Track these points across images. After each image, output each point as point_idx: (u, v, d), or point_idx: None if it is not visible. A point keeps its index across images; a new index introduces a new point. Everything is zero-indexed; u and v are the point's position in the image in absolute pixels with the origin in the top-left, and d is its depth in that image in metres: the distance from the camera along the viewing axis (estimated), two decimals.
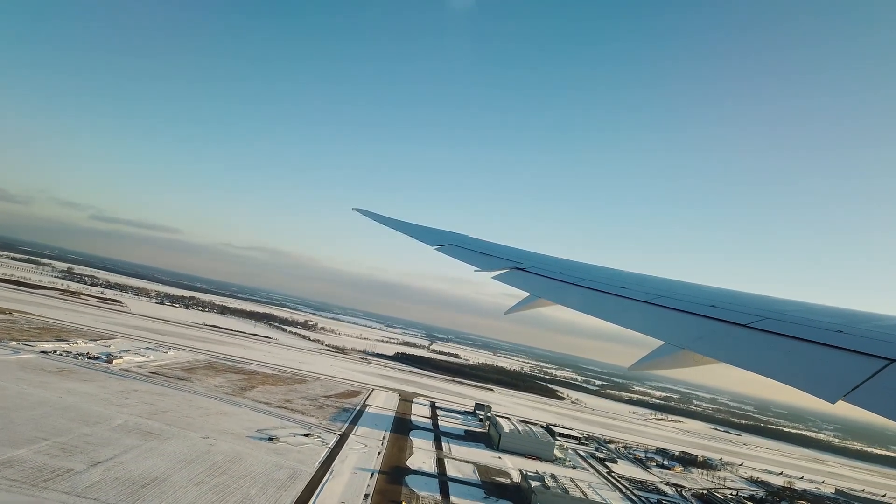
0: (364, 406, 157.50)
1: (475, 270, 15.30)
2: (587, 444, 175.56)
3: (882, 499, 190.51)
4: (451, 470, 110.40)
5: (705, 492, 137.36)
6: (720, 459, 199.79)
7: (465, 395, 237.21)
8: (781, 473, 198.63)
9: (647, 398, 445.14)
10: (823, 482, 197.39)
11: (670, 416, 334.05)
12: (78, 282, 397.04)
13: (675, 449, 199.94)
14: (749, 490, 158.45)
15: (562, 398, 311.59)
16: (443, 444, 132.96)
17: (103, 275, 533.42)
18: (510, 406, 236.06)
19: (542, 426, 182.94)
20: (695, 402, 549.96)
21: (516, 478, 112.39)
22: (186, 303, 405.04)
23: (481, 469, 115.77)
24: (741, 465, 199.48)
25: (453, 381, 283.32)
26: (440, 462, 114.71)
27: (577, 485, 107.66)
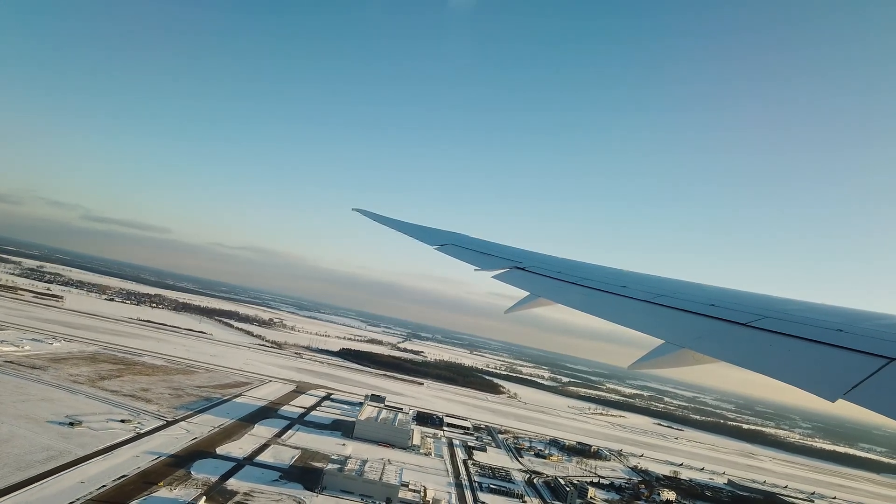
0: (237, 396, 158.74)
1: (475, 270, 15.54)
2: (471, 434, 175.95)
3: (781, 490, 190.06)
4: (266, 456, 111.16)
5: (552, 479, 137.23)
6: (620, 451, 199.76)
7: (381, 387, 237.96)
8: (682, 465, 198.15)
9: (610, 395, 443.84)
10: (724, 473, 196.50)
11: (612, 412, 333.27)
12: (39, 279, 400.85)
13: (587, 441, 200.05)
14: (625, 479, 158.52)
15: (501, 393, 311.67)
16: (289, 431, 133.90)
17: (77, 273, 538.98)
18: (427, 399, 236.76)
19: (411, 414, 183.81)
20: (666, 399, 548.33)
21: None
22: (148, 300, 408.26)
23: (305, 455, 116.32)
24: (641, 456, 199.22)
25: (385, 375, 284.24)
26: (262, 448, 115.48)
27: (384, 469, 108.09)
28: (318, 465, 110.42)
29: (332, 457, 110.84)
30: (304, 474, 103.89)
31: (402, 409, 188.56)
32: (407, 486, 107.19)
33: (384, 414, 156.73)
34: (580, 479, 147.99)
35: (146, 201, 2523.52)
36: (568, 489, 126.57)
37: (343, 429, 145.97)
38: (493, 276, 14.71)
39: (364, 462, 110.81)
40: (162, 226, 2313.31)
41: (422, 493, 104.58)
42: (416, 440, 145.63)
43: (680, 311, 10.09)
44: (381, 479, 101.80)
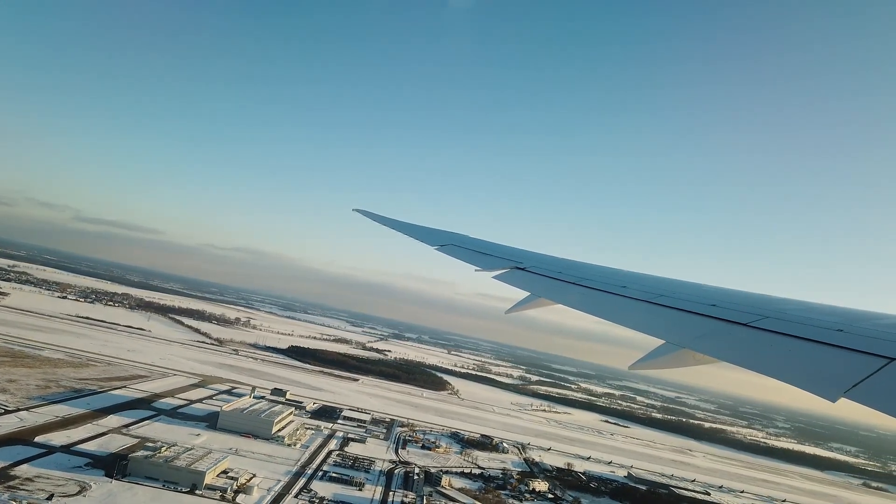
0: (118, 388, 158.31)
1: (475, 270, 15.57)
2: (363, 427, 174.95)
3: (688, 483, 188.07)
4: (92, 445, 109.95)
5: (412, 469, 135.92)
6: (526, 445, 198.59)
7: (308, 383, 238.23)
8: (589, 458, 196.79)
9: (574, 395, 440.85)
10: (632, 466, 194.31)
11: (559, 409, 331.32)
12: (0, 278, 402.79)
13: (500, 435, 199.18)
14: (501, 470, 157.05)
15: (443, 390, 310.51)
16: (146, 422, 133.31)
17: (52, 273, 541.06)
18: (351, 395, 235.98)
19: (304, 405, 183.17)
20: (639, 398, 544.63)
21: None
22: (108, 299, 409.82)
23: (140, 444, 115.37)
24: (548, 449, 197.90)
25: (321, 372, 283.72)
26: (95, 437, 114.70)
27: (203, 457, 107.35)
28: (144, 453, 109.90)
29: (148, 444, 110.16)
30: (119, 462, 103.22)
31: (300, 402, 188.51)
32: (227, 473, 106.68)
33: (259, 406, 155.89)
34: (455, 469, 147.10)
35: (139, 203, 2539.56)
36: (417, 478, 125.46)
37: (212, 420, 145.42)
38: (493, 277, 14.74)
39: (188, 450, 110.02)
40: (154, 227, 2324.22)
41: (238, 481, 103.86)
42: (289, 431, 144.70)
43: (680, 311, 10.12)
44: (190, 465, 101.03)
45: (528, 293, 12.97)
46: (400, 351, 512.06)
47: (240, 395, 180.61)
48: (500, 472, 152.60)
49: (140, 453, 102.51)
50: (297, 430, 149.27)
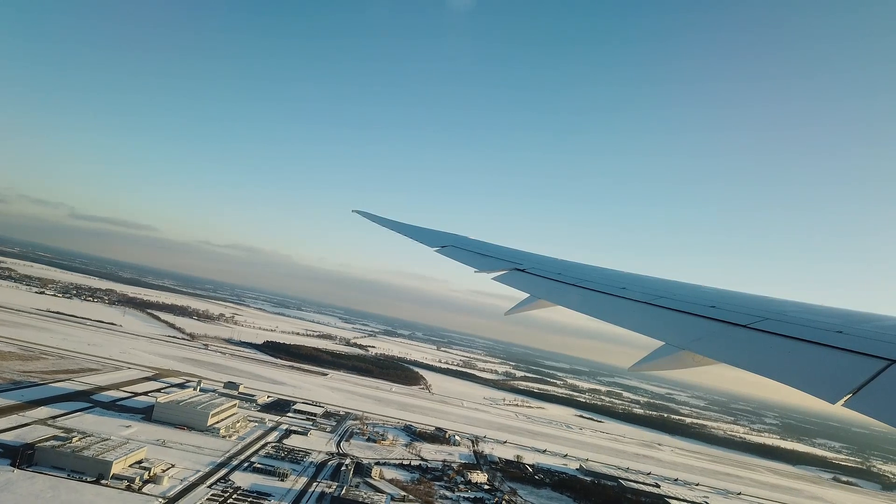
0: (60, 381, 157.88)
1: (475, 271, 15.56)
2: (312, 419, 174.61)
3: (644, 476, 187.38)
4: (10, 435, 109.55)
5: (342, 459, 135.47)
6: (485, 437, 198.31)
7: (273, 378, 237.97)
8: (545, 451, 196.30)
9: (556, 391, 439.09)
10: (587, 460, 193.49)
11: (533, 403, 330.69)
12: None
13: (459, 429, 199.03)
14: (456, 462, 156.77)
15: (415, 384, 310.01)
16: (77, 413, 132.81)
17: (40, 269, 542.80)
18: (314, 389, 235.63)
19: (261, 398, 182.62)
20: (625, 394, 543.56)
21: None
22: (87, 294, 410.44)
23: (62, 436, 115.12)
24: (504, 442, 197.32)
25: (290, 367, 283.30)
26: (14, 428, 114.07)
27: (119, 446, 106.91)
28: (53, 443, 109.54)
29: (59, 435, 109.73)
30: (24, 451, 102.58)
31: (252, 396, 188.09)
32: (141, 463, 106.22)
33: (198, 398, 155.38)
34: (395, 461, 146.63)
35: (135, 200, 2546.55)
36: (344, 468, 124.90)
37: (149, 412, 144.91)
38: (492, 278, 14.75)
39: (103, 440, 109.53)
40: (150, 224, 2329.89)
41: (150, 471, 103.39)
42: (226, 423, 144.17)
43: (680, 312, 10.15)
44: (98, 455, 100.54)
45: (528, 294, 13.02)
46: (385, 347, 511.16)
47: (204, 391, 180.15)
48: (442, 463, 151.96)
49: (49, 443, 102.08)
50: (238, 422, 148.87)
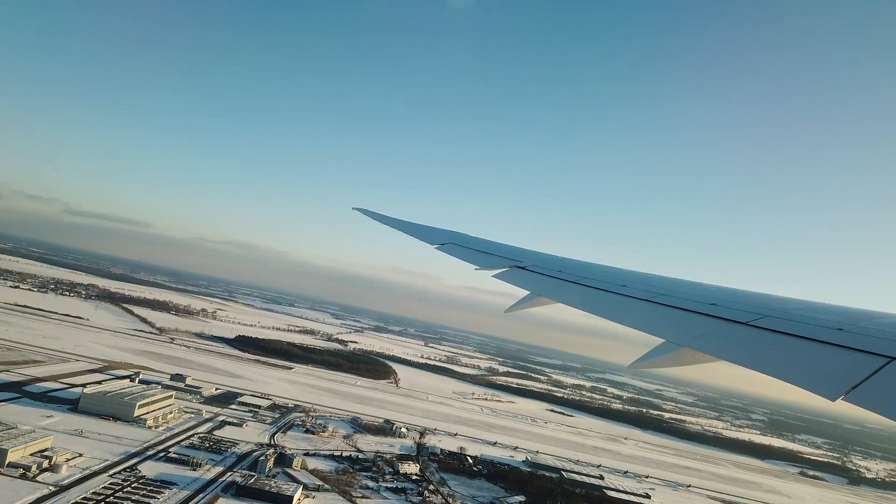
0: (1, 371, 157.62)
1: (475, 269, 15.60)
2: (256, 411, 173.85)
3: (594, 469, 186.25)
4: None
5: (288, 451, 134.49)
6: (435, 429, 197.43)
7: (236, 372, 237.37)
8: (496, 444, 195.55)
9: (534, 386, 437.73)
10: (538, 452, 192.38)
11: (503, 397, 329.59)
12: None
13: (409, 422, 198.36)
14: (392, 453, 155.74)
15: (383, 378, 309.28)
16: (2, 404, 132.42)
17: (25, 265, 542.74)
18: (274, 383, 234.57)
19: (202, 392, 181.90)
20: (610, 390, 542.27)
21: None
22: (65, 289, 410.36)
23: None
24: (455, 435, 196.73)
25: (256, 361, 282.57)
26: None
27: (21, 435, 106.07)
28: None
29: None
30: None
31: (198, 388, 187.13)
32: (43, 452, 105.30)
33: (127, 389, 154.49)
34: (325, 452, 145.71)
35: (130, 196, 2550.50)
36: (263, 458, 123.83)
37: (76, 403, 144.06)
38: (493, 276, 14.77)
39: (8, 428, 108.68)
40: (145, 220, 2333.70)
41: (51, 460, 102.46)
42: (155, 415, 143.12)
43: (680, 310, 10.17)
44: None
45: (529, 292, 12.99)
46: (368, 343, 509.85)
47: (147, 382, 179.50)
48: (374, 454, 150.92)
49: None
50: (169, 413, 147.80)
